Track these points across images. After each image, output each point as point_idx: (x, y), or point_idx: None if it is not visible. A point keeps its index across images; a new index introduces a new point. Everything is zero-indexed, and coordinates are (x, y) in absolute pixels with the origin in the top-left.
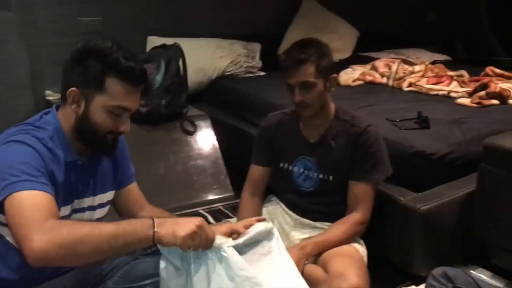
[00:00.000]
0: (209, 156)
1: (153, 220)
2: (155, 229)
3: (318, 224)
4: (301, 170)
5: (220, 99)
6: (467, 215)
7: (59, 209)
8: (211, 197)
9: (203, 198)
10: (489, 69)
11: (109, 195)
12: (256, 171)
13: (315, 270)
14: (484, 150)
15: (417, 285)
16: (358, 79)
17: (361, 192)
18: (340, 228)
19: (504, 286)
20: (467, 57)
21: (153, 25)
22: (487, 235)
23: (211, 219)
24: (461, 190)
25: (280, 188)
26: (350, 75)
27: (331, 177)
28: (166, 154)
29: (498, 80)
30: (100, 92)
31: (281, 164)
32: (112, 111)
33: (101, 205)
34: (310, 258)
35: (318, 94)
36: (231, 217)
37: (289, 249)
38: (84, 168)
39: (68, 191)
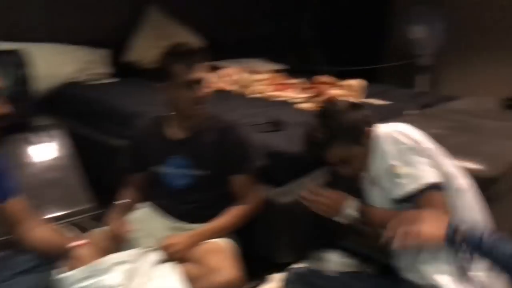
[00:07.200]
0: (64, 166)
1: None
2: None
3: (195, 225)
4: (173, 169)
5: (73, 109)
6: None
7: None
8: (72, 209)
9: (64, 211)
10: (321, 78)
11: None
12: (129, 179)
13: (191, 268)
14: None
15: (279, 271)
16: None
17: (243, 184)
18: (229, 216)
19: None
20: (300, 66)
21: None
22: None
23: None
24: (315, 183)
25: (155, 193)
26: None
27: (209, 172)
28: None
29: (331, 87)
30: None
31: (152, 168)
32: None
33: None
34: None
35: None
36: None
37: (176, 236)
38: None
39: None
